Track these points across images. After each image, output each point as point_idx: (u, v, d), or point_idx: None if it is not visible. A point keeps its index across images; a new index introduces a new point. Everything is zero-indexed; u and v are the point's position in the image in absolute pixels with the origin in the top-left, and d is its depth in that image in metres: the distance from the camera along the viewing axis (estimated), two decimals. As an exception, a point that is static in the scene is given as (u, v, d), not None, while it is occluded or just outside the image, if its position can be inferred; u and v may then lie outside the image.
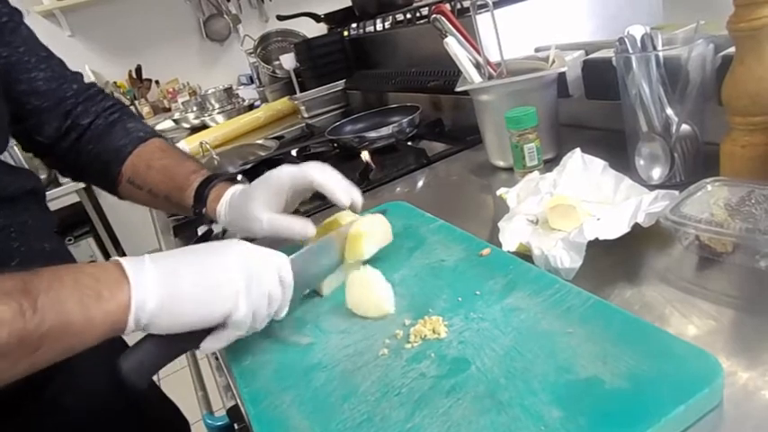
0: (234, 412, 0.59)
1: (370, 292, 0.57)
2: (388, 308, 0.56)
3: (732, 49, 0.63)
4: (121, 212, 3.12)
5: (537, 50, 1.04)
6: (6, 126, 0.65)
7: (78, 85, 0.75)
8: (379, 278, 0.58)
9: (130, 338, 0.59)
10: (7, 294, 0.41)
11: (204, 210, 0.70)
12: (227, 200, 0.68)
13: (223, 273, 0.49)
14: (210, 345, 0.50)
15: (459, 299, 0.54)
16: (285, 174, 0.64)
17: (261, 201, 0.64)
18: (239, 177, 0.70)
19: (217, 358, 0.66)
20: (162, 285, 0.46)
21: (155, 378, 0.83)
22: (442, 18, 0.92)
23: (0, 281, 0.41)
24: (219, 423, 0.67)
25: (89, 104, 0.75)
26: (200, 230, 1.05)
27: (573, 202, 0.63)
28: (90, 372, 0.68)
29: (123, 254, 3.22)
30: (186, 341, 0.50)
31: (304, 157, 1.32)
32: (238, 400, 0.53)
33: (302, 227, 0.63)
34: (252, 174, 1.09)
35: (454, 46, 0.89)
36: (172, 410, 0.92)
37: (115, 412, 0.73)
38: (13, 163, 0.70)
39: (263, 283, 0.51)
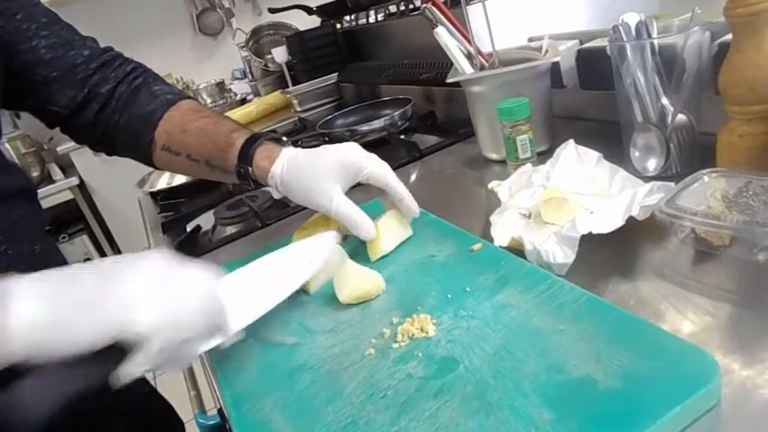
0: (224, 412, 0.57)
1: (360, 277, 0.57)
2: (381, 285, 0.57)
3: (729, 37, 0.61)
4: (116, 209, 3.10)
5: (530, 40, 1.02)
6: None
7: (90, 51, 0.69)
8: (361, 267, 0.58)
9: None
10: None
11: (250, 169, 0.65)
12: (284, 162, 0.64)
13: (121, 282, 0.40)
14: (127, 369, 0.39)
15: (449, 296, 0.53)
16: (364, 163, 0.63)
17: (334, 177, 0.61)
18: (284, 139, 0.68)
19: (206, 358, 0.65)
20: (37, 312, 0.37)
21: (149, 377, 0.82)
22: (433, 8, 0.90)
23: None
24: (211, 422, 0.66)
25: (107, 70, 0.70)
26: (189, 227, 1.03)
27: (566, 195, 0.61)
28: None
29: (118, 251, 3.19)
30: (92, 366, 0.39)
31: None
32: (221, 403, 0.52)
33: (368, 228, 0.62)
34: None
35: (444, 36, 0.87)
36: (168, 411, 0.90)
37: (108, 414, 0.71)
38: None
39: (181, 294, 0.42)
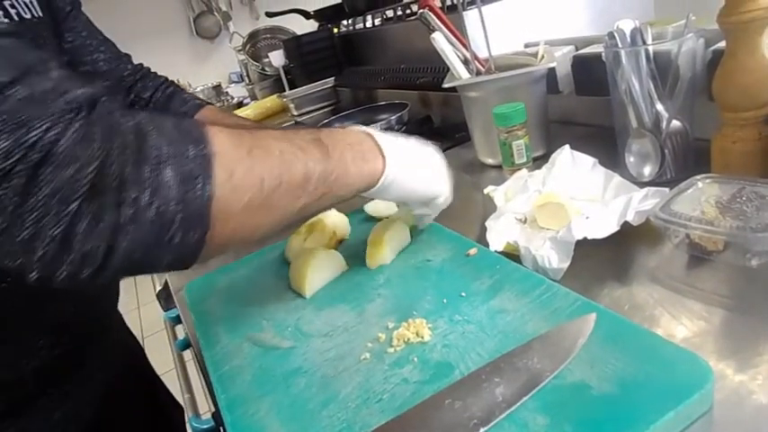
0: (219, 416, 0.57)
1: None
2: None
3: (723, 44, 0.62)
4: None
5: (526, 46, 1.03)
6: None
7: (132, 65, 0.82)
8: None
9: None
10: (312, 142, 0.48)
11: None
12: None
13: (434, 169, 0.60)
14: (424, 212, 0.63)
15: (445, 300, 0.53)
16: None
17: None
18: None
19: (200, 361, 0.65)
20: (400, 169, 0.54)
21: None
22: (430, 13, 0.90)
23: (299, 134, 0.49)
24: (205, 426, 0.65)
25: (147, 80, 0.82)
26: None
27: (562, 200, 0.61)
28: (108, 358, 0.70)
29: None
30: None
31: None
32: (216, 407, 0.52)
33: None
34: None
35: (441, 41, 0.87)
36: (172, 398, 0.92)
37: (128, 396, 0.75)
38: None
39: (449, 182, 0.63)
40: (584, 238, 0.54)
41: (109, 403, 0.69)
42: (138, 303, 2.90)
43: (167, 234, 0.37)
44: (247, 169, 0.41)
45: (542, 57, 0.86)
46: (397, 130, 1.19)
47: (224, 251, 0.43)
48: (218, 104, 2.07)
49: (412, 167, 0.56)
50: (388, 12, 1.52)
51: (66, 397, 0.63)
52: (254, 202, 0.42)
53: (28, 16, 0.58)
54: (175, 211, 0.36)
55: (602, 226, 0.55)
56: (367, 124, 1.17)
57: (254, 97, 2.16)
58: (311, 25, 2.02)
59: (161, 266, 0.39)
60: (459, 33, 0.91)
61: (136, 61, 0.84)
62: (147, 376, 0.85)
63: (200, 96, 2.10)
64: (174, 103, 0.82)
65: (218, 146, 0.40)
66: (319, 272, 0.62)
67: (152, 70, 0.87)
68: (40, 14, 0.61)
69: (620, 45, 0.66)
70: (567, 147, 0.70)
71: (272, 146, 0.44)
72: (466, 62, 0.90)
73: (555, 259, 0.54)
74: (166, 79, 0.86)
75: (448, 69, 0.92)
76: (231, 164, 0.40)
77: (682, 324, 0.46)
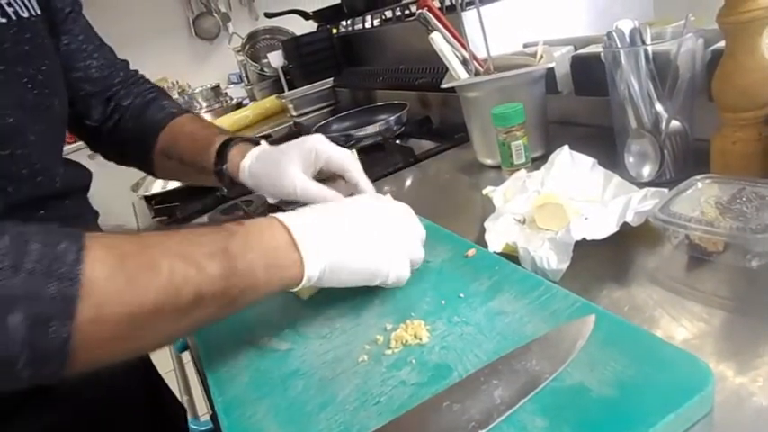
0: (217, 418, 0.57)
1: None
2: None
3: (722, 44, 0.62)
4: (110, 213, 3.08)
5: (525, 46, 1.03)
6: (67, 114, 0.66)
7: (125, 73, 0.79)
8: None
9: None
10: (214, 255, 0.44)
11: (226, 167, 0.69)
12: (254, 155, 0.68)
13: (377, 247, 0.52)
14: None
15: (443, 302, 0.53)
16: (323, 147, 0.65)
17: (295, 163, 0.64)
18: (262, 142, 0.72)
19: (198, 363, 0.64)
20: (327, 262, 0.50)
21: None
22: (428, 13, 0.90)
23: (205, 243, 0.45)
24: (204, 428, 0.65)
25: (132, 88, 0.79)
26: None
27: (561, 201, 0.61)
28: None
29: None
30: None
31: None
32: (214, 409, 0.51)
33: (334, 197, 0.63)
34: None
35: (439, 41, 0.87)
36: (175, 399, 0.91)
37: (129, 395, 0.74)
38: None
39: (410, 244, 0.55)
40: (584, 239, 0.54)
41: (110, 403, 0.69)
42: (138, 304, 2.89)
43: (10, 373, 0.35)
44: (120, 301, 0.39)
45: (541, 57, 0.86)
46: (396, 131, 1.19)
47: (91, 369, 0.41)
48: (216, 105, 2.06)
49: (345, 258, 0.51)
50: (386, 12, 1.52)
51: (67, 397, 0.63)
52: (124, 332, 0.39)
53: (26, 15, 0.57)
54: (19, 353, 0.35)
55: (601, 227, 0.55)
56: (366, 125, 1.18)
57: (252, 98, 2.16)
58: (310, 26, 2.02)
59: (19, 387, 0.38)
60: (458, 33, 0.91)
61: (135, 62, 0.82)
62: (149, 376, 0.85)
63: (199, 98, 2.11)
64: (150, 110, 0.78)
65: (90, 276, 0.37)
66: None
67: (146, 77, 0.84)
68: (39, 12, 0.60)
69: (618, 45, 0.66)
70: (566, 147, 0.70)
71: (163, 266, 0.41)
72: (464, 62, 0.90)
73: (554, 260, 0.54)
74: (153, 86, 0.83)
75: (447, 70, 0.92)
76: (101, 297, 0.38)
77: (681, 325, 0.45)
